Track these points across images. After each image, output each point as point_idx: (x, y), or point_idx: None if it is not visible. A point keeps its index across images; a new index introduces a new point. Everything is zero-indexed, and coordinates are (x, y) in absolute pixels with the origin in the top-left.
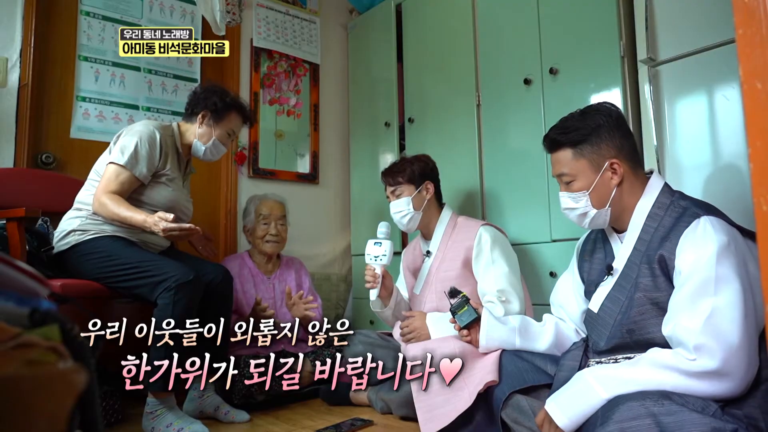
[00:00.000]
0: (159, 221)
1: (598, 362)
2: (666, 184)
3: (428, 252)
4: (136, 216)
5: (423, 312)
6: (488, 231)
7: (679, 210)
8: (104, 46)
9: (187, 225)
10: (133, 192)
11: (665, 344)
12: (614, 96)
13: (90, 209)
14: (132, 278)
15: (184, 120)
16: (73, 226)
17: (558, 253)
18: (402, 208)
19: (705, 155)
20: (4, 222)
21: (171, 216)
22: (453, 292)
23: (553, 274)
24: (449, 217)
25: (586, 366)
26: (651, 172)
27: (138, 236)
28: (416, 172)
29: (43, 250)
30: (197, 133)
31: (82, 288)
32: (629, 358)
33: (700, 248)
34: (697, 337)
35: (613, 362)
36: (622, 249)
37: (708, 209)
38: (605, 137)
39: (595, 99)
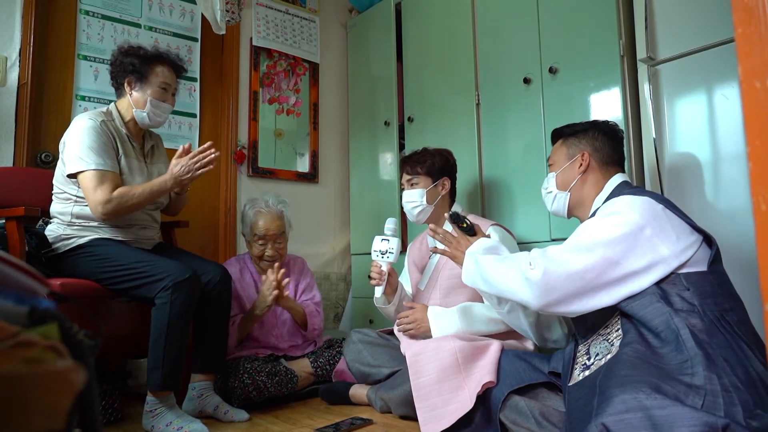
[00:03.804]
0: (176, 167)
1: (584, 343)
2: (625, 181)
3: (436, 248)
4: (155, 184)
5: (425, 305)
6: (497, 231)
7: (616, 195)
8: (103, 45)
9: (197, 152)
10: None
11: (626, 312)
12: (614, 95)
13: (67, 218)
14: (129, 279)
15: (117, 98)
16: (58, 232)
17: None
18: (415, 199)
19: (704, 154)
20: (4, 221)
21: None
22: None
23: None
24: None
25: (577, 352)
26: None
27: (128, 234)
28: (436, 165)
29: (44, 251)
30: (132, 102)
31: (82, 287)
32: (607, 332)
33: (602, 208)
34: (536, 252)
35: (603, 339)
36: None
37: (637, 192)
38: (589, 136)
39: (595, 98)
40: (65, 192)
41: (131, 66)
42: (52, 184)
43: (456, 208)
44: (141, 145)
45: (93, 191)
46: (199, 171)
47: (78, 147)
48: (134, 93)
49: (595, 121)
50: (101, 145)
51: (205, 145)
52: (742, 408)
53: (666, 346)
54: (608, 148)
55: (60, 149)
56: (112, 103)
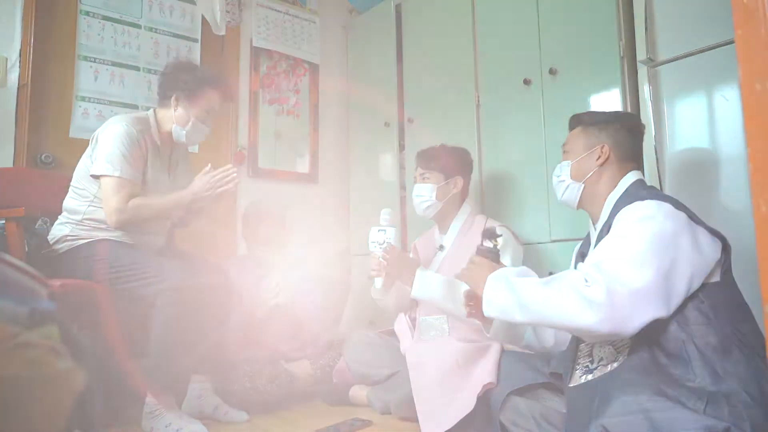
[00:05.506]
0: (198, 182)
1: (587, 343)
2: (640, 180)
3: (441, 246)
4: (172, 199)
5: (421, 265)
6: (502, 232)
7: (636, 197)
8: (104, 45)
9: (220, 172)
10: None
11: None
12: (614, 96)
13: (78, 217)
14: (130, 280)
15: (159, 106)
16: (64, 232)
17: (557, 253)
18: (425, 194)
19: (704, 156)
20: (3, 221)
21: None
22: (489, 234)
23: (552, 275)
24: (468, 214)
25: (579, 352)
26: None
27: (133, 238)
28: (451, 163)
29: (43, 252)
30: (174, 118)
31: (82, 287)
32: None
33: (631, 213)
34: (590, 268)
35: (608, 343)
36: (594, 236)
37: (659, 197)
38: (612, 128)
39: (595, 99)
40: (86, 189)
41: (184, 83)
42: (72, 177)
43: (469, 208)
44: (169, 156)
45: (110, 198)
46: (219, 189)
47: (108, 151)
48: (179, 109)
49: (618, 113)
50: (131, 154)
51: (227, 167)
52: (750, 423)
53: (676, 364)
54: (629, 144)
55: (91, 146)
56: (151, 110)
